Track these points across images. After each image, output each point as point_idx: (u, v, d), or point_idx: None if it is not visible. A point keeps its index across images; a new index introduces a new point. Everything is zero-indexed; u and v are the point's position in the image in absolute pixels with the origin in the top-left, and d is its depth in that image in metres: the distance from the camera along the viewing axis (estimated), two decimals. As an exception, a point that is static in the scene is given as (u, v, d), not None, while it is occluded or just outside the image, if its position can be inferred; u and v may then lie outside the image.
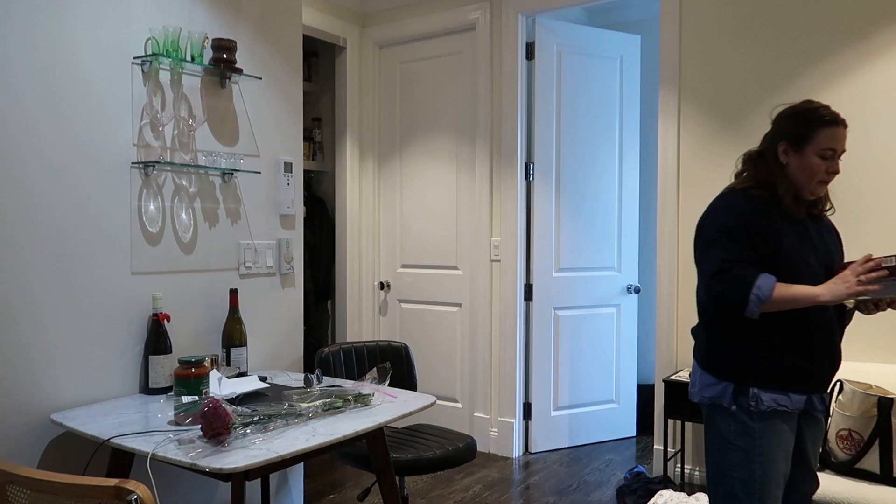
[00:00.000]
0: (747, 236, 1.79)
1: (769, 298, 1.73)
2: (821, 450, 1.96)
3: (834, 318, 1.85)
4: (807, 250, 1.82)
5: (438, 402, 2.34)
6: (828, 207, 1.93)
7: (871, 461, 2.37)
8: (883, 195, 2.88)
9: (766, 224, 1.80)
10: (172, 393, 2.15)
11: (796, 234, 1.83)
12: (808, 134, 1.81)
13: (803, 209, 1.85)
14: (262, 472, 1.74)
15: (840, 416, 2.46)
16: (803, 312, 1.78)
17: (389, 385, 2.21)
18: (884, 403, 2.38)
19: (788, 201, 1.83)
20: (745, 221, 1.80)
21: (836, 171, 1.82)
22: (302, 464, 2.77)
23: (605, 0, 3.75)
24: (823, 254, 1.85)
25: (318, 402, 1.96)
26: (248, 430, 1.75)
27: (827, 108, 1.83)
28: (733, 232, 1.79)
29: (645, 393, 4.19)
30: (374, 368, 2.24)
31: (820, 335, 1.82)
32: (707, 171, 3.30)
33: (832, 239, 1.92)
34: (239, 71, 2.48)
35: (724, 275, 1.76)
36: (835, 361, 1.87)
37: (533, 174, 3.90)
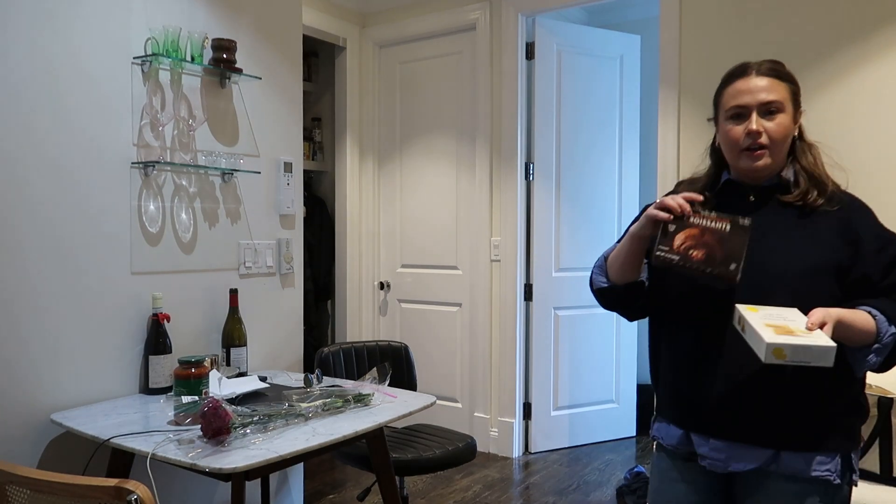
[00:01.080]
0: None
1: (605, 262, 1.54)
2: None
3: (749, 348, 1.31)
4: None
5: (438, 402, 2.34)
6: (808, 193, 1.40)
7: (871, 461, 2.37)
8: (882, 195, 2.88)
9: None
10: (172, 393, 2.15)
11: None
12: (716, 101, 1.49)
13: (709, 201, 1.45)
14: (262, 472, 1.74)
15: (840, 416, 2.46)
16: (686, 324, 1.44)
17: (389, 385, 2.21)
18: (884, 403, 2.38)
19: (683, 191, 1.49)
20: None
21: (757, 131, 1.38)
22: (302, 464, 2.77)
23: (605, 0, 3.75)
24: (761, 257, 1.36)
25: (318, 402, 1.96)
26: (248, 430, 1.75)
27: (738, 64, 1.46)
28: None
29: (645, 393, 4.19)
30: (374, 368, 2.24)
31: (708, 352, 1.41)
32: (707, 171, 3.30)
33: (812, 242, 1.38)
34: (239, 71, 2.48)
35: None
36: (740, 396, 1.36)
37: (533, 174, 3.90)
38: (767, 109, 1.39)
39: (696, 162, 3.61)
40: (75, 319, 2.08)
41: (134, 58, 2.23)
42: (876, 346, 1.31)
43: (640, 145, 4.23)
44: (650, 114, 4.17)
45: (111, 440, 1.74)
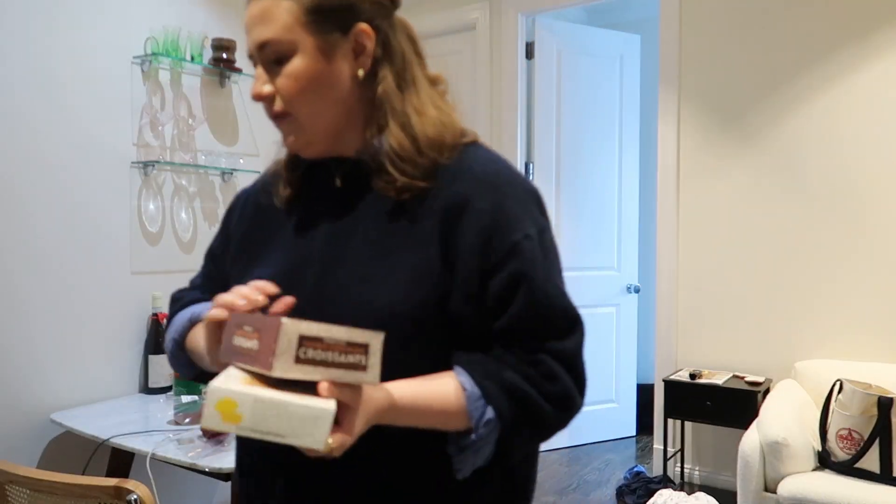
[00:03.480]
0: (220, 235, 1.05)
1: (178, 347, 0.94)
2: None
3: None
4: (298, 263, 0.86)
5: (438, 401, 2.32)
6: (401, 175, 0.83)
7: (871, 460, 2.37)
8: (885, 196, 2.88)
9: (237, 218, 1.02)
10: (172, 393, 2.15)
11: (290, 235, 0.90)
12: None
13: (288, 189, 0.92)
14: (262, 471, 1.74)
15: (840, 416, 2.46)
16: None
17: (389, 385, 2.21)
18: (884, 403, 2.38)
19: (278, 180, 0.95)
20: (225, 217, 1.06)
21: (261, 94, 0.83)
22: (302, 463, 2.76)
23: (605, 0, 3.75)
24: (331, 291, 0.81)
25: (317, 402, 1.96)
26: (248, 430, 1.74)
27: None
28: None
29: (645, 393, 4.19)
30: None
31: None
32: (707, 171, 3.30)
33: (397, 265, 0.81)
34: (238, 70, 2.48)
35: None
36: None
37: (533, 174, 3.89)
38: (269, 57, 0.82)
39: (695, 161, 3.62)
40: (75, 319, 2.08)
41: (134, 57, 2.23)
42: (469, 440, 0.76)
43: (640, 144, 4.23)
44: (650, 113, 4.17)
45: (111, 440, 1.74)
